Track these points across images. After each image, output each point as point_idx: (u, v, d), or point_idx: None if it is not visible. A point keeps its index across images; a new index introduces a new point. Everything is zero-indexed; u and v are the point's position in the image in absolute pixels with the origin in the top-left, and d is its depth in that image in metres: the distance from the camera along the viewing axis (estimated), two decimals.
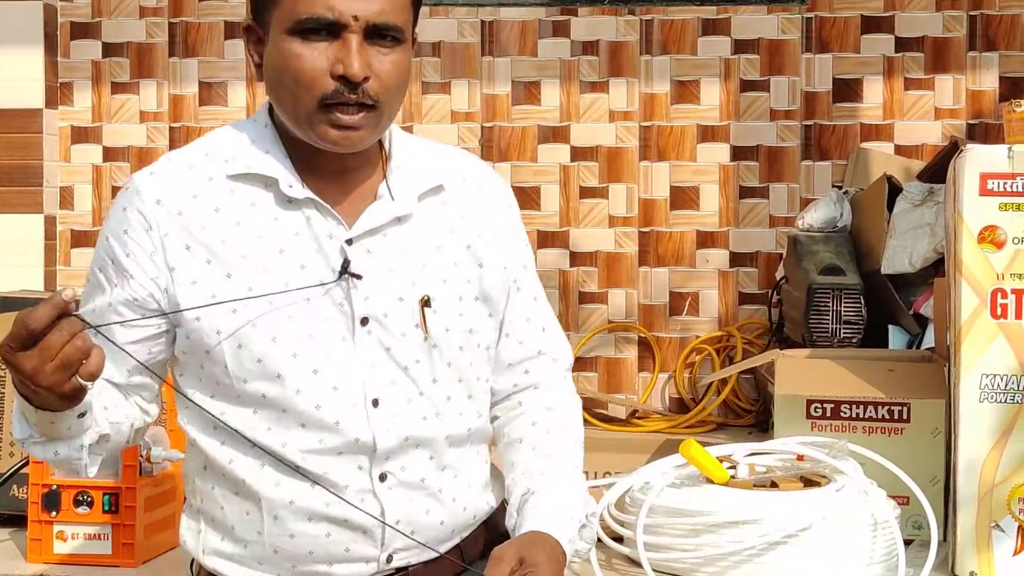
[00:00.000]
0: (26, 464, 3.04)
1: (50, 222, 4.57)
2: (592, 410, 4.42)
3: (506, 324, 2.07)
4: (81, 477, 1.93)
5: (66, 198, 4.62)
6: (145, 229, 1.84)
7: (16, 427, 1.81)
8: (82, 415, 1.76)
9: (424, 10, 4.57)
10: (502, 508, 2.04)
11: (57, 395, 1.62)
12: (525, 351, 2.09)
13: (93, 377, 1.62)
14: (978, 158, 2.33)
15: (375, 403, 1.88)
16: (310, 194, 1.87)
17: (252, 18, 1.88)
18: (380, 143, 1.98)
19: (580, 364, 4.49)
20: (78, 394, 1.64)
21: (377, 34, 1.81)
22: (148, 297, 1.86)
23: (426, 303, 1.91)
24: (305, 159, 1.90)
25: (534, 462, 2.02)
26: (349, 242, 1.88)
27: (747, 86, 4.47)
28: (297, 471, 1.85)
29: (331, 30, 1.79)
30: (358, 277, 1.86)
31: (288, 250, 1.85)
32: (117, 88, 4.61)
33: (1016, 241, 2.30)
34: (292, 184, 1.87)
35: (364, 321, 1.87)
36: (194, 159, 1.91)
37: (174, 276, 1.84)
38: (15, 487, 3.15)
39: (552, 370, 2.13)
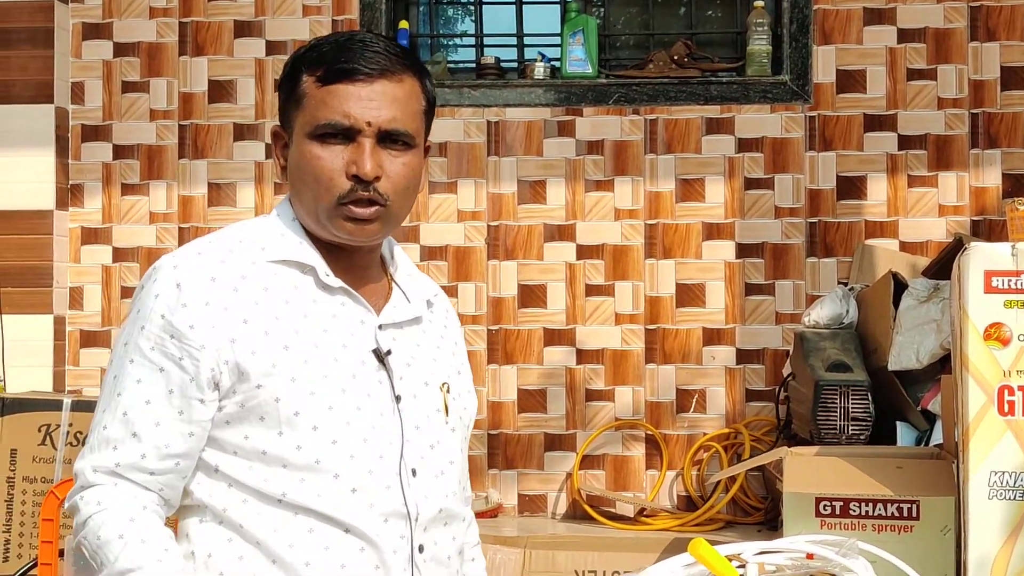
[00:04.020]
0: (35, 566, 3.03)
1: (59, 323, 4.59)
2: (600, 508, 4.40)
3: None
4: None
5: (75, 299, 4.64)
6: (204, 303, 1.92)
7: (127, 555, 1.84)
8: None
9: None
10: None
11: None
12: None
13: None
14: (982, 256, 2.34)
15: (414, 472, 1.98)
16: (343, 284, 2.01)
17: (280, 124, 2.05)
18: (381, 254, 2.13)
19: (587, 462, 4.48)
20: None
21: (389, 139, 1.97)
22: (217, 368, 1.92)
23: (447, 390, 2.07)
24: (326, 253, 2.03)
25: None
26: (380, 328, 2.01)
27: (751, 184, 4.50)
28: (349, 533, 1.92)
29: (347, 135, 1.95)
30: (388, 354, 1.99)
31: (330, 330, 1.97)
32: (127, 189, 4.66)
33: (1022, 338, 2.31)
34: (328, 273, 2.00)
35: (398, 399, 1.99)
36: (231, 245, 2.01)
37: (235, 347, 1.91)
38: None
39: None
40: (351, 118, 1.94)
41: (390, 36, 4.68)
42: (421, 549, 1.97)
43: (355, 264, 2.05)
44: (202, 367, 1.90)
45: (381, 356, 1.99)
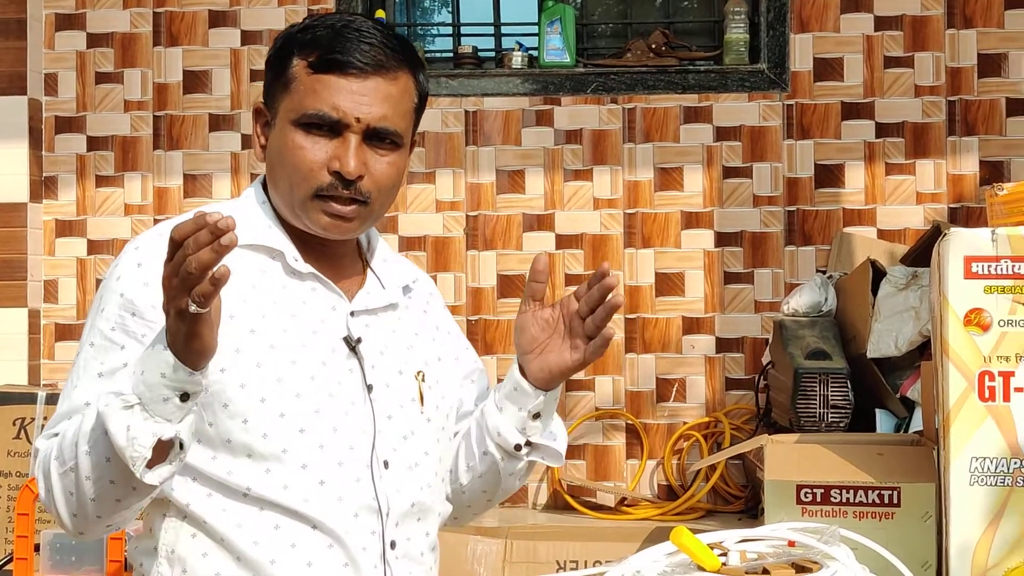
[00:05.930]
0: (9, 561, 3.00)
1: (34, 316, 4.55)
2: (580, 498, 4.39)
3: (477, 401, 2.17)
4: (125, 487, 1.73)
5: (50, 292, 4.61)
6: None
7: (122, 380, 1.69)
8: (185, 398, 1.66)
9: None
10: None
11: (173, 312, 1.58)
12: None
13: (204, 297, 1.55)
14: (962, 241, 2.33)
15: (386, 464, 1.93)
16: (313, 269, 1.95)
17: (263, 101, 1.98)
18: (357, 240, 2.06)
19: (568, 452, 4.45)
20: (188, 317, 1.58)
21: (376, 137, 1.91)
22: None
23: (422, 378, 2.01)
24: (298, 239, 1.97)
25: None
26: (351, 315, 1.96)
27: (730, 172, 4.49)
28: (316, 529, 1.86)
29: (333, 128, 1.89)
30: (358, 342, 1.93)
31: (299, 316, 1.92)
32: (102, 181, 4.62)
33: (1002, 323, 2.30)
34: (297, 258, 1.95)
35: (370, 388, 1.94)
36: None
37: None
38: None
39: None
40: (340, 112, 1.87)
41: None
42: (393, 545, 1.92)
43: (327, 252, 1.99)
44: None
45: (352, 344, 1.93)
